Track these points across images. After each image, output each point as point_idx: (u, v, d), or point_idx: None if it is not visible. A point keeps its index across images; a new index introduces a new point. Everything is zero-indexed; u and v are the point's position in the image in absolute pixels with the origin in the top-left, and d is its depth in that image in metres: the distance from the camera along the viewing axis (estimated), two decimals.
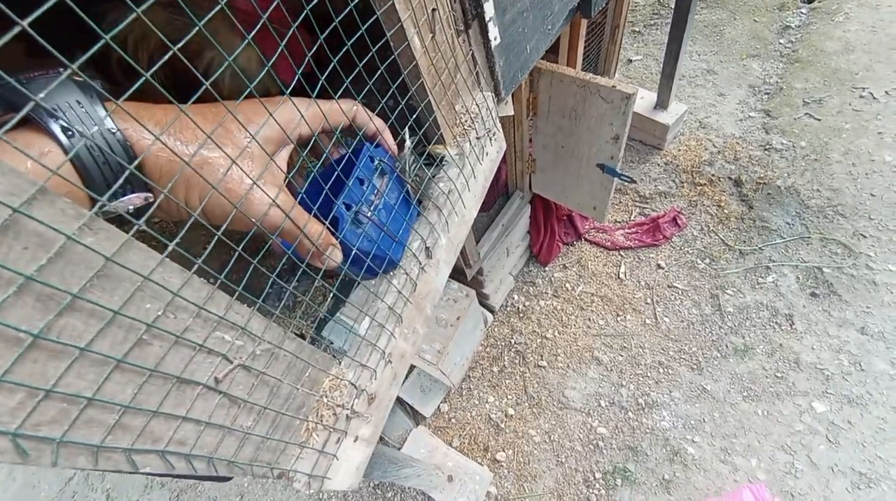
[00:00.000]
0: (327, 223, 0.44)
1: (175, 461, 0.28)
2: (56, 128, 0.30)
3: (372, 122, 0.53)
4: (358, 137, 0.51)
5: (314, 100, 0.44)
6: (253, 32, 0.32)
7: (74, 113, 0.31)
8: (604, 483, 1.93)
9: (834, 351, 1.99)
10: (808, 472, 1.78)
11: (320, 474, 0.40)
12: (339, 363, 0.46)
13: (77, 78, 0.32)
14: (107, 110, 0.32)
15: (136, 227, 0.26)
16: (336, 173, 0.47)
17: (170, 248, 0.27)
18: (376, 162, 0.53)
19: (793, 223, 2.32)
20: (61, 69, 0.24)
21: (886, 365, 1.91)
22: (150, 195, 0.35)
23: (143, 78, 0.25)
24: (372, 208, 0.51)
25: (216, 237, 0.32)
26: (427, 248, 0.60)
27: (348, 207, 0.48)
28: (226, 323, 0.33)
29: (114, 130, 0.32)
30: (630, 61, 3.24)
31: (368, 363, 0.48)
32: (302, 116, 0.43)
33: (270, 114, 0.38)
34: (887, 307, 2.02)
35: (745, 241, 2.35)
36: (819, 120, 2.58)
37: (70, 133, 0.30)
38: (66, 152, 0.30)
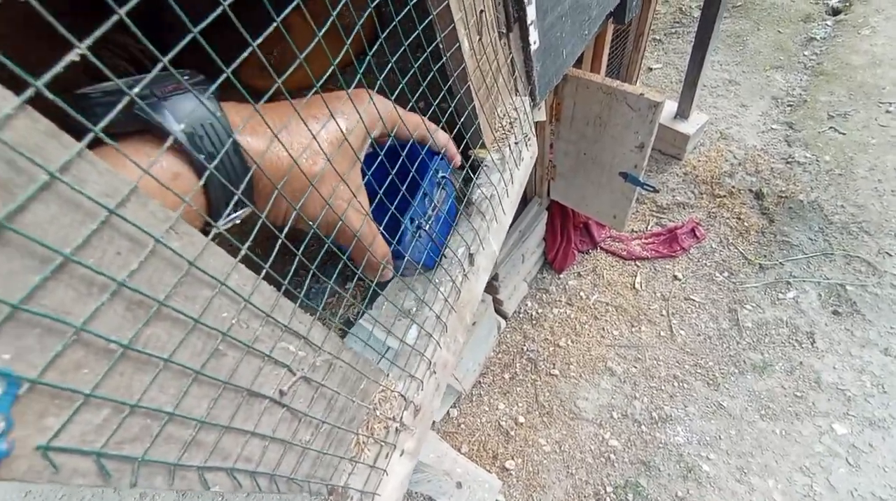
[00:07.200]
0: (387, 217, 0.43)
1: (242, 478, 0.27)
2: (197, 154, 0.27)
3: (438, 135, 0.51)
4: (409, 146, 0.49)
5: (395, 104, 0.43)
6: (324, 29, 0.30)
7: (210, 130, 0.28)
8: (615, 498, 1.89)
9: (856, 371, 1.94)
10: (827, 495, 1.74)
11: (371, 490, 0.39)
12: (387, 374, 0.45)
13: (201, 87, 0.28)
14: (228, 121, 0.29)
15: (214, 231, 0.25)
16: (390, 171, 0.47)
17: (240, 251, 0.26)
18: (440, 176, 0.54)
19: (815, 238, 2.28)
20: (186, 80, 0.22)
21: None
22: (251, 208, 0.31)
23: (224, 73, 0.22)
24: (429, 221, 0.52)
25: (278, 243, 0.30)
26: (471, 255, 0.59)
27: (412, 221, 0.50)
28: (289, 332, 0.31)
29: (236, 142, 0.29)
30: (650, 69, 3.21)
31: (416, 373, 0.46)
32: (400, 113, 0.42)
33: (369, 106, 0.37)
34: None
35: (765, 256, 2.30)
36: (844, 134, 2.53)
37: (203, 153, 0.27)
38: (197, 173, 0.27)
